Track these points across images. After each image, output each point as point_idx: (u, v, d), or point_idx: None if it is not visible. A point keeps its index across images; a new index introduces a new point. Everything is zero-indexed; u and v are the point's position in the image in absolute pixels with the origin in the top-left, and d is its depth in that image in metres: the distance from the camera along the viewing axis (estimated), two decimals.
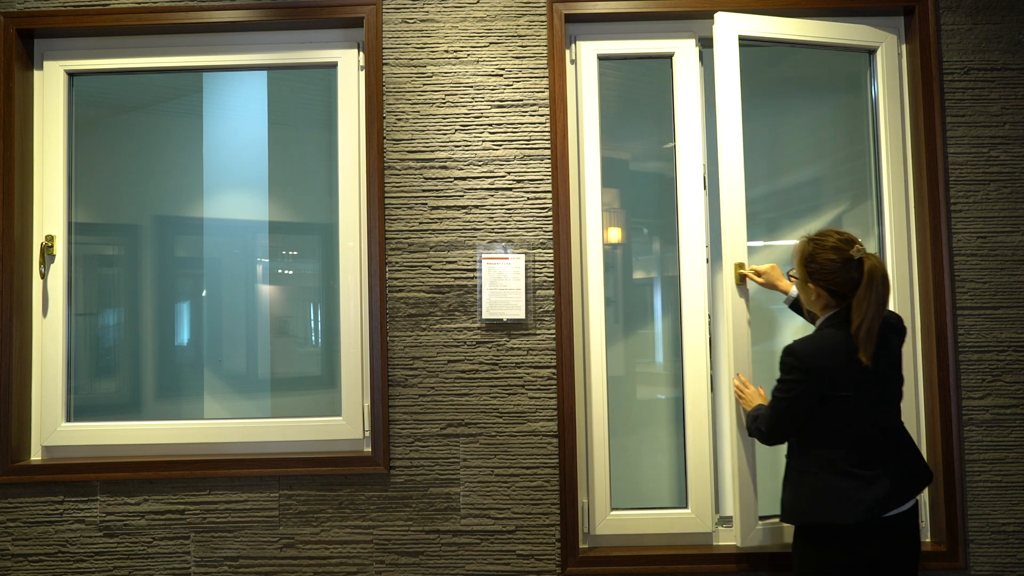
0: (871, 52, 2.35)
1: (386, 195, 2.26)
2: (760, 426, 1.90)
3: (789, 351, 1.80)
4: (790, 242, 2.73)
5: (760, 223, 2.56)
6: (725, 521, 2.30)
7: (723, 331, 2.55)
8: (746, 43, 2.24)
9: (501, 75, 2.28)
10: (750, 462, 2.14)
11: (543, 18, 2.28)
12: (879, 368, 1.78)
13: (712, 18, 2.29)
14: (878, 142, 2.35)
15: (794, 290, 2.09)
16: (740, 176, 2.18)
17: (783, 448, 1.95)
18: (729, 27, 2.19)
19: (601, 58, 2.35)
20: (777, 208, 2.75)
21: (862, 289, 1.76)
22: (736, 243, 2.17)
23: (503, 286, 2.22)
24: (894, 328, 1.87)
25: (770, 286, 2.14)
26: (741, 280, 2.17)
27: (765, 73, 2.18)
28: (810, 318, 2.01)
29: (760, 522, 2.15)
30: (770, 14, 2.27)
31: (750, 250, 2.61)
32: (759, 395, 2.08)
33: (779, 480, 2.14)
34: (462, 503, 2.21)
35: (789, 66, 2.73)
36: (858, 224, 2.48)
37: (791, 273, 1.96)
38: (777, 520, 2.16)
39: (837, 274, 1.79)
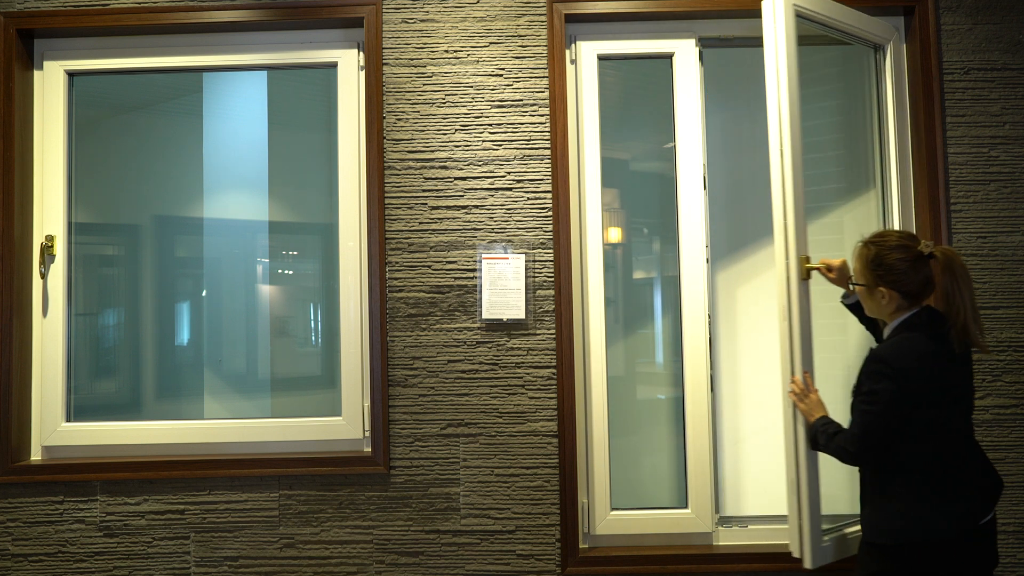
0: (880, 48, 2.34)
1: (386, 195, 2.26)
2: (845, 445, 1.71)
3: (877, 358, 1.67)
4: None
5: (757, 223, 2.55)
6: (725, 521, 2.30)
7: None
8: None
9: (501, 75, 2.28)
10: (814, 473, 1.92)
11: (543, 18, 2.28)
12: (961, 370, 1.71)
13: (711, 18, 2.30)
14: (885, 140, 2.35)
15: None
16: (800, 162, 1.99)
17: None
18: None
19: (601, 58, 2.35)
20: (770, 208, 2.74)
21: (949, 283, 1.67)
22: (800, 235, 1.98)
23: (503, 286, 2.22)
24: None
25: (841, 283, 1.98)
26: (807, 275, 1.97)
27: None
28: (873, 326, 1.93)
29: (825, 537, 1.97)
30: None
31: (750, 250, 2.61)
32: (821, 403, 1.87)
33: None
34: (462, 503, 2.21)
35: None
36: (858, 224, 2.48)
37: (852, 280, 1.85)
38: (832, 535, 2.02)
39: (908, 273, 1.69)
